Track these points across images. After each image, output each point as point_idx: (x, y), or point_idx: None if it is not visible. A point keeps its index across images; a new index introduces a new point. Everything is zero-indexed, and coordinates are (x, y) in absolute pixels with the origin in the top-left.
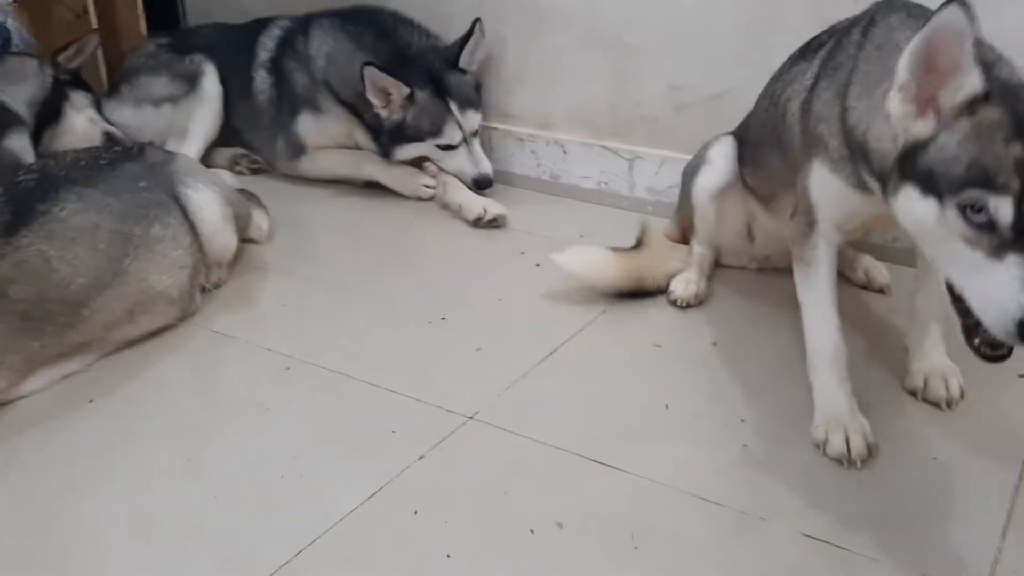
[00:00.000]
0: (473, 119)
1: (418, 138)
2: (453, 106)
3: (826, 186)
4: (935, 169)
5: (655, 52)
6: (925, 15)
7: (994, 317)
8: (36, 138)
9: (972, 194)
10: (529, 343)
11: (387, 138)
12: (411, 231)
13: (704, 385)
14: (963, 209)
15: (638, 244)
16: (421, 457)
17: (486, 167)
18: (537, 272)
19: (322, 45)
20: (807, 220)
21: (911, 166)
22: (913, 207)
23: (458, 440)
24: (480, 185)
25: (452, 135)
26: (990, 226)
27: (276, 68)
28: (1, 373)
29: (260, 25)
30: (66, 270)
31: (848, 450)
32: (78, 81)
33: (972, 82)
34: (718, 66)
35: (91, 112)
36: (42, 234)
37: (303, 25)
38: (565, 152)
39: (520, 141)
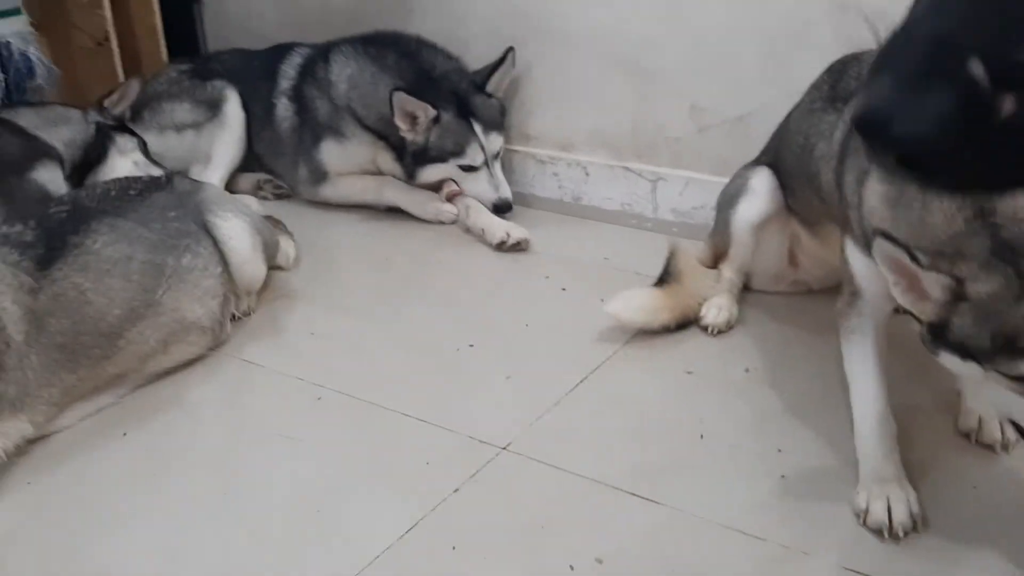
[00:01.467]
0: (496, 141)
1: (441, 159)
2: (477, 127)
3: (862, 264)
4: (965, 343)
5: (677, 73)
6: None
7: None
8: (80, 181)
9: (1007, 361)
10: (558, 371)
11: (411, 160)
12: (434, 256)
13: (739, 414)
14: (1002, 371)
15: (669, 271)
16: (456, 490)
17: (506, 191)
18: (563, 296)
19: (344, 70)
20: (851, 290)
21: (942, 338)
22: (958, 367)
23: (492, 472)
24: (500, 209)
25: (474, 156)
26: None
27: (298, 96)
28: (39, 408)
29: (281, 52)
30: (101, 302)
31: (890, 520)
32: (124, 126)
33: (939, 281)
34: (742, 87)
35: (137, 155)
36: (76, 266)
37: (324, 52)
38: (587, 174)
39: (541, 163)
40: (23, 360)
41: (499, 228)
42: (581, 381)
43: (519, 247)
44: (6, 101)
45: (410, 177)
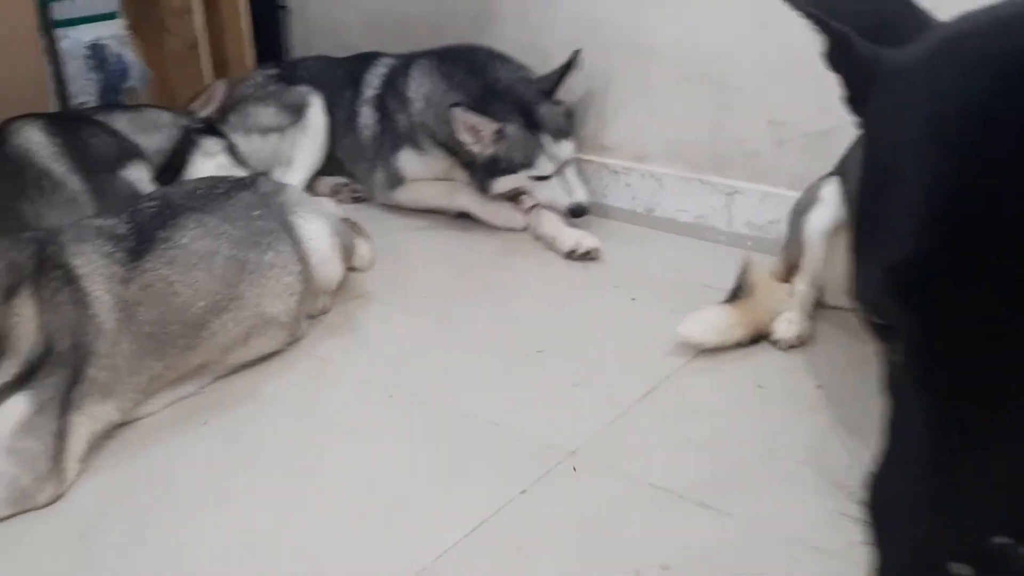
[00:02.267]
0: (566, 148)
1: (511, 170)
2: (545, 137)
3: None
4: None
5: (756, 87)
6: None
7: None
8: (167, 183)
9: None
10: (627, 380)
11: (482, 173)
12: (505, 262)
13: (810, 430)
14: None
15: (741, 286)
16: (523, 492)
17: (580, 195)
18: (632, 306)
19: (420, 87)
20: None
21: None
22: None
23: (559, 476)
24: (575, 214)
25: (544, 166)
26: None
27: (380, 106)
28: (127, 394)
29: (365, 61)
30: (187, 294)
31: None
32: (211, 128)
33: None
34: (823, 102)
35: (221, 158)
36: (165, 259)
37: (405, 65)
38: (661, 185)
39: (615, 173)
40: (114, 347)
41: (570, 236)
42: (650, 391)
43: (589, 256)
44: (101, 101)
45: (483, 190)
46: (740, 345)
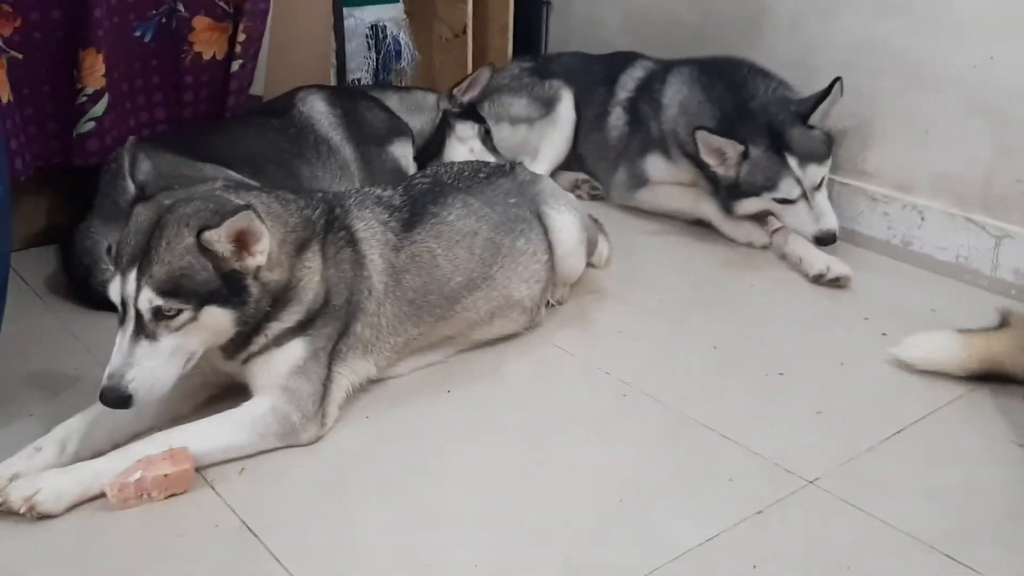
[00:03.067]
0: (815, 173)
1: (754, 192)
2: (791, 160)
3: None
4: None
5: None
6: None
7: None
8: (423, 163)
9: None
10: (874, 416)
11: (725, 194)
12: (745, 277)
13: None
14: None
15: (999, 326)
16: (759, 512)
17: (829, 222)
18: (882, 341)
19: (675, 95)
20: None
21: None
22: None
23: (797, 503)
24: (822, 242)
25: (789, 189)
26: None
27: (632, 108)
28: (384, 353)
29: (623, 62)
30: (448, 267)
31: None
32: (472, 112)
33: None
34: None
35: (475, 143)
36: (432, 233)
37: (663, 71)
38: (922, 218)
39: (873, 200)
40: (380, 308)
41: (819, 260)
42: (899, 431)
43: (838, 283)
44: (374, 79)
45: (726, 211)
46: (972, 377)
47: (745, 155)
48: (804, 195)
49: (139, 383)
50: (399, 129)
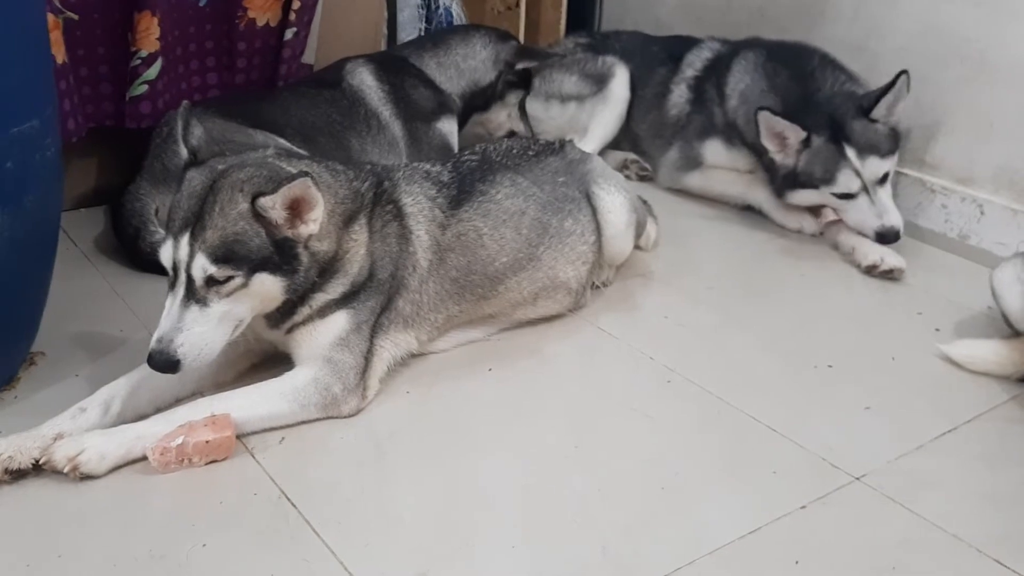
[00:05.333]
0: (876, 167)
1: (811, 184)
2: (851, 153)
3: None
4: None
5: None
6: None
7: None
8: (463, 122)
9: None
10: (925, 413)
11: (781, 182)
12: (795, 266)
13: None
14: None
15: None
16: (803, 507)
17: (892, 219)
18: (935, 337)
19: (739, 83)
20: None
21: None
22: None
23: (843, 499)
24: (884, 239)
25: (848, 183)
26: None
27: (697, 89)
28: (425, 328)
29: (689, 42)
30: (493, 247)
31: None
32: (524, 79)
33: None
34: None
35: (513, 111)
36: (479, 212)
37: (730, 55)
38: (982, 213)
39: (931, 192)
40: (423, 284)
41: (872, 251)
42: (950, 430)
43: (891, 275)
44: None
45: (779, 197)
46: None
47: (807, 143)
48: (865, 189)
49: (188, 348)
50: (445, 105)
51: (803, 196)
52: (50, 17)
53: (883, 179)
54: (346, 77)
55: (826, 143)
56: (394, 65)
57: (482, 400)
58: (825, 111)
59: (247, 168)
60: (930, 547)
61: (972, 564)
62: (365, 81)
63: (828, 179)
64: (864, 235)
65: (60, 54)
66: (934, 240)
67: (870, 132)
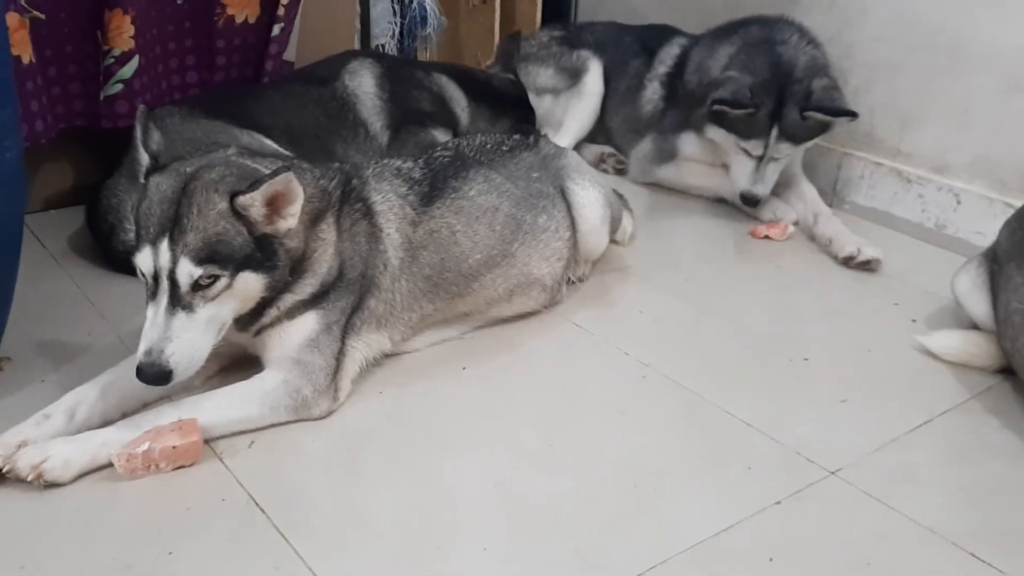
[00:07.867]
0: (784, 150)
1: (729, 127)
2: (774, 132)
3: None
4: None
5: None
6: None
7: None
8: None
9: None
10: (901, 405)
11: (707, 110)
12: (770, 258)
13: None
14: None
15: None
16: (778, 503)
17: (759, 190)
18: (912, 328)
19: (697, 56)
20: None
21: None
22: None
23: (818, 494)
24: (746, 201)
25: (755, 148)
26: None
27: (670, 84)
28: (398, 328)
29: (663, 34)
30: (467, 244)
31: None
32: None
33: None
34: None
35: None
36: (452, 208)
37: (689, 47)
38: (959, 202)
39: (907, 182)
40: (395, 283)
41: (849, 242)
42: (926, 422)
43: (868, 266)
44: (398, 44)
45: (697, 129)
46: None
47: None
48: (761, 158)
49: (179, 357)
50: (445, 121)
51: (715, 133)
52: (16, 17)
53: (779, 159)
54: (344, 77)
55: (764, 116)
56: (404, 71)
57: (456, 399)
58: (785, 95)
59: (216, 168)
60: (905, 541)
61: (948, 558)
62: (363, 85)
63: (745, 135)
64: (731, 190)
65: (27, 54)
66: (910, 230)
67: (798, 124)
